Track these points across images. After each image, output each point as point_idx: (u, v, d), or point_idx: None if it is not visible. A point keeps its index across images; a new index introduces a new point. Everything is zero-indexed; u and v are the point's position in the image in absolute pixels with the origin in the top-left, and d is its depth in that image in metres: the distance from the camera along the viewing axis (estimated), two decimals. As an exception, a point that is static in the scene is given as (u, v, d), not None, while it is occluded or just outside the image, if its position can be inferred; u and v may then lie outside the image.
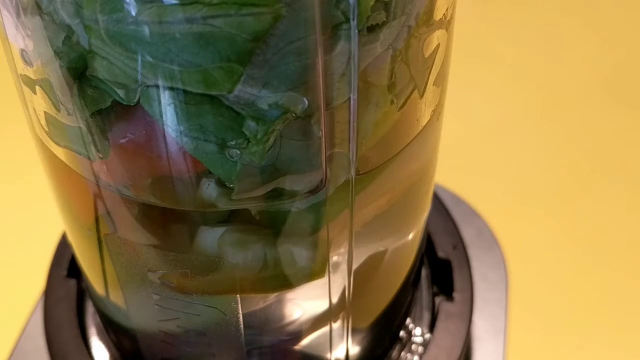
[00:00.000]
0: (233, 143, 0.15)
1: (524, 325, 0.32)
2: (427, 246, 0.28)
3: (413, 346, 0.26)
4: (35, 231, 0.36)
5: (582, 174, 0.39)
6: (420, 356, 0.25)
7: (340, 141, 0.16)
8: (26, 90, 0.17)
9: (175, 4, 0.13)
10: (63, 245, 0.28)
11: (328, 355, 0.22)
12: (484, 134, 0.41)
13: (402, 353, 0.26)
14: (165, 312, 0.20)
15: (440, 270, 0.28)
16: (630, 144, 0.41)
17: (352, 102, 0.16)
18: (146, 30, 0.14)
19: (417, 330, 0.26)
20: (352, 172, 0.17)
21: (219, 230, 0.18)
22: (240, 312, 0.20)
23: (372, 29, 0.15)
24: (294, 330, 0.21)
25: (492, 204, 0.35)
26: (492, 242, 0.32)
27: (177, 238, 0.18)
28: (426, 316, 0.27)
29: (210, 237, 0.18)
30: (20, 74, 0.17)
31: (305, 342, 0.22)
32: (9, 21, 0.15)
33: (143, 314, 0.21)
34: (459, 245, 0.28)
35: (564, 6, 0.50)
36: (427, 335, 0.26)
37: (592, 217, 0.37)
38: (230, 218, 0.18)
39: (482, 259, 0.31)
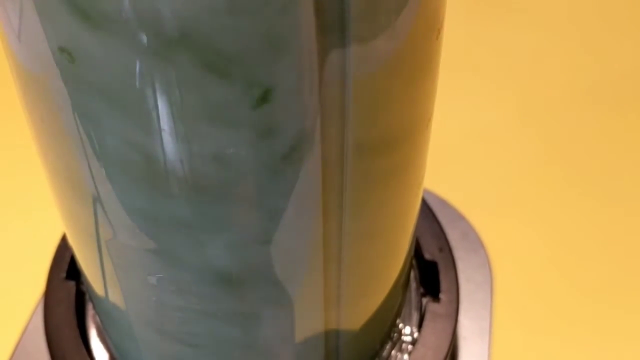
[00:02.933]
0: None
1: (508, 325, 0.33)
2: (415, 248, 0.29)
3: (403, 345, 0.27)
4: (36, 234, 0.36)
5: (565, 178, 0.40)
6: (410, 354, 0.26)
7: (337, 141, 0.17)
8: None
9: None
10: (62, 247, 0.28)
11: (322, 356, 0.23)
12: (469, 139, 0.42)
13: (393, 352, 0.26)
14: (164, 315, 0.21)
15: (427, 271, 0.29)
16: (615, 148, 0.42)
17: (346, 109, 0.16)
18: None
19: (407, 330, 0.27)
20: (346, 168, 0.18)
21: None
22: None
23: (364, 38, 0.16)
24: (286, 332, 0.22)
25: (478, 207, 0.36)
26: (477, 244, 0.32)
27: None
28: (415, 316, 0.28)
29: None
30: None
31: (296, 343, 0.22)
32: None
33: (143, 317, 0.22)
34: (445, 247, 0.29)
35: (551, 15, 0.51)
36: (416, 334, 0.27)
37: (576, 219, 0.38)
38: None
39: (467, 261, 0.32)
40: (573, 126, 0.43)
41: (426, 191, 0.33)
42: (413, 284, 0.29)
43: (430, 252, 0.29)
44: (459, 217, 0.33)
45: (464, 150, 0.42)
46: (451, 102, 0.43)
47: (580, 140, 0.42)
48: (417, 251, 0.29)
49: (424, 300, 0.28)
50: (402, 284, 0.25)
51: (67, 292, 0.27)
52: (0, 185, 0.40)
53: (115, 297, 0.22)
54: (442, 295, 0.27)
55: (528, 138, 0.42)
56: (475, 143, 0.42)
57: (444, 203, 0.34)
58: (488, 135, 0.42)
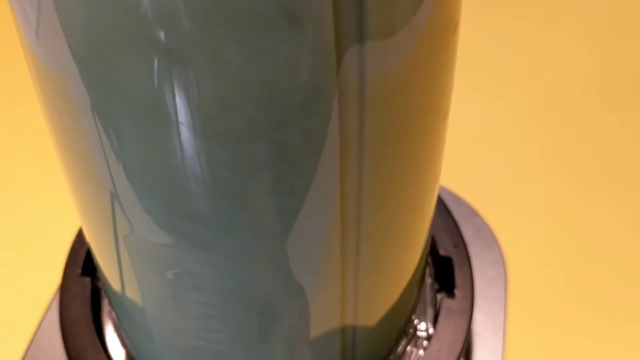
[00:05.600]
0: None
1: (522, 321, 0.33)
2: (429, 244, 0.29)
3: (418, 340, 0.27)
4: (51, 229, 0.36)
5: (579, 175, 0.40)
6: (425, 349, 0.26)
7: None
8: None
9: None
10: (78, 243, 0.28)
11: (337, 352, 0.23)
12: (483, 136, 0.42)
13: (408, 347, 0.27)
14: (183, 310, 0.21)
15: (441, 267, 0.29)
16: (627, 144, 0.42)
17: (364, 105, 0.16)
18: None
19: (422, 325, 0.27)
20: (363, 164, 0.18)
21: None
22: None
23: (382, 36, 0.16)
24: (302, 328, 0.22)
25: (492, 203, 0.36)
26: (491, 240, 0.32)
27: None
28: (430, 311, 0.28)
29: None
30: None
31: (313, 339, 0.22)
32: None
33: (160, 312, 0.22)
34: (460, 243, 0.29)
35: (562, 13, 0.51)
36: (432, 330, 0.27)
37: (589, 215, 0.38)
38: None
39: (481, 257, 0.32)
40: (587, 123, 0.43)
41: (441, 187, 0.33)
42: (428, 280, 0.29)
43: (445, 248, 0.29)
44: (474, 214, 0.33)
45: (479, 146, 0.42)
46: (465, 99, 0.43)
47: (594, 137, 0.42)
48: (432, 247, 0.29)
49: (439, 296, 0.28)
50: (418, 280, 0.25)
51: (83, 287, 0.27)
52: (17, 180, 0.40)
53: (131, 292, 0.22)
54: (456, 291, 0.27)
55: (542, 135, 0.42)
56: (489, 139, 0.42)
57: (458, 199, 0.34)
58: (502, 132, 0.42)
